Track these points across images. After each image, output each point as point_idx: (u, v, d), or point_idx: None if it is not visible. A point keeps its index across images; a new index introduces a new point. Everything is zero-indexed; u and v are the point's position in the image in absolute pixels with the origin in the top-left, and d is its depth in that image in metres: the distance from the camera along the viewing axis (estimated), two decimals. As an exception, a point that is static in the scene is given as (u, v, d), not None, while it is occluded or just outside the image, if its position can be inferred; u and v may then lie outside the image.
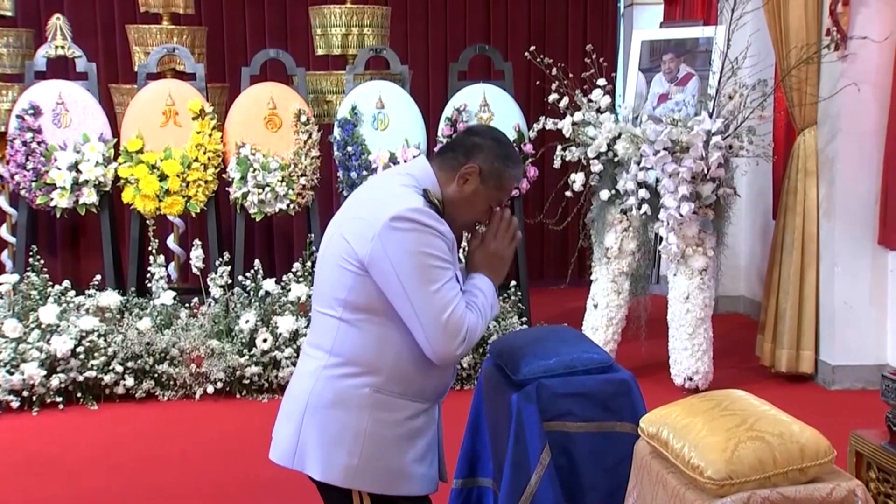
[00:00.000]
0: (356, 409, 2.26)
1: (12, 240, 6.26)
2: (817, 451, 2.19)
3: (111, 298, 5.29)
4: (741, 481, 2.14)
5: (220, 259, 5.42)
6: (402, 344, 2.26)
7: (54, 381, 4.91)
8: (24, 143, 5.68)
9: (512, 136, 5.98)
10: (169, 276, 5.88)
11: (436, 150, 2.46)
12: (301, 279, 5.37)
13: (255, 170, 5.75)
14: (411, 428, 2.32)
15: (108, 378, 4.99)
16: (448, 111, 6.01)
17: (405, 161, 5.83)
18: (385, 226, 2.19)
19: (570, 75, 5.21)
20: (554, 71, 5.11)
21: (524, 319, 5.71)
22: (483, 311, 2.31)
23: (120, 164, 5.76)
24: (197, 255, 5.41)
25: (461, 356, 2.26)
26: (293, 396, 2.36)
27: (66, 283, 5.36)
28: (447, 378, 2.41)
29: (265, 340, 5.08)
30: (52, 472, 4.14)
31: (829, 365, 5.18)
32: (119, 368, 5.00)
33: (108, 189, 5.80)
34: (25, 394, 4.90)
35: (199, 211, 5.84)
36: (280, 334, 5.10)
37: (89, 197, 5.72)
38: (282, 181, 5.78)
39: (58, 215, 5.85)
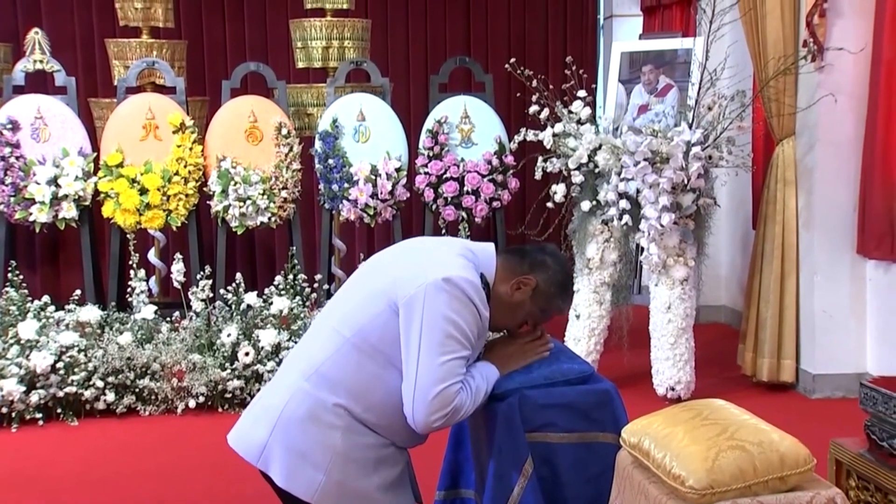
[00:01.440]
0: (328, 427, 2.27)
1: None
2: (797, 460, 2.21)
3: (91, 313, 5.25)
4: (722, 490, 2.15)
5: (202, 273, 5.40)
6: (393, 390, 2.29)
7: (34, 398, 4.86)
8: (3, 158, 5.65)
9: (493, 147, 6.00)
10: (150, 290, 5.85)
11: (507, 248, 2.53)
12: (283, 292, 5.36)
13: (236, 183, 5.74)
14: (380, 455, 2.34)
15: (88, 393, 4.95)
16: (429, 123, 6.03)
17: (387, 174, 5.85)
18: (437, 280, 2.24)
19: (551, 87, 5.23)
20: (534, 83, 5.13)
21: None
22: (475, 394, 2.34)
23: (100, 178, 5.74)
24: (178, 268, 5.39)
25: (437, 429, 2.28)
26: (269, 405, 2.36)
27: (46, 298, 5.32)
28: (418, 438, 2.43)
29: (247, 354, 5.06)
30: (32, 490, 4.10)
31: (809, 374, 5.21)
32: (100, 384, 4.96)
33: (87, 203, 5.77)
34: (4, 410, 4.85)
35: (179, 225, 5.82)
36: (262, 348, 5.08)
37: (69, 211, 5.69)
38: (263, 194, 5.77)
39: (37, 230, 5.81)
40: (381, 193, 5.87)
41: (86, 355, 5.01)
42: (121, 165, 5.75)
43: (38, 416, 4.91)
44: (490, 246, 2.49)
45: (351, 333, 2.29)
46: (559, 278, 2.48)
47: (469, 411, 2.33)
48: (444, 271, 2.25)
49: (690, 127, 4.91)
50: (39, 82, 6.21)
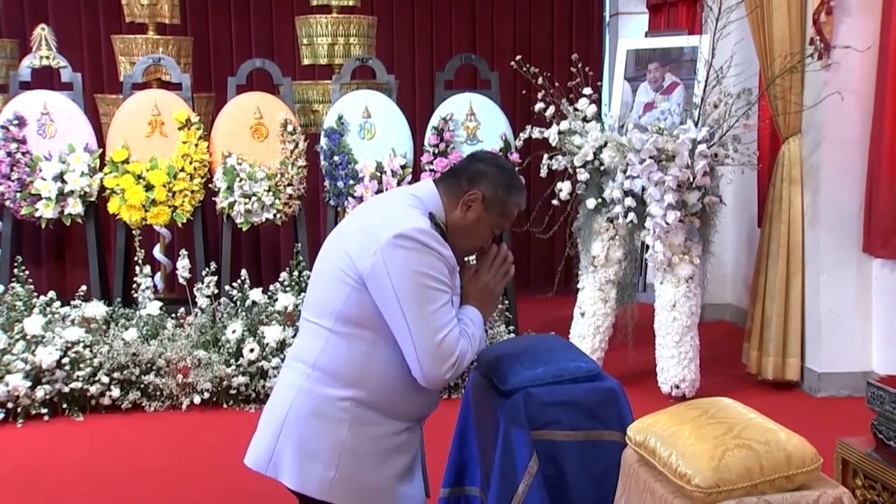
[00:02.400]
0: (335, 421, 2.26)
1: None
2: (804, 459, 2.20)
3: (97, 309, 5.26)
4: (728, 489, 2.14)
5: (207, 269, 5.41)
6: (390, 362, 2.26)
7: (39, 393, 4.87)
8: (9, 154, 5.66)
9: (498, 145, 5.99)
10: (155, 286, 5.86)
11: (440, 175, 2.47)
12: (288, 289, 5.36)
13: (241, 179, 5.75)
14: (391, 444, 2.32)
15: (93, 389, 4.96)
16: (434, 120, 6.03)
17: (392, 171, 5.84)
18: (389, 242, 2.20)
19: (556, 84, 5.23)
20: (540, 80, 5.13)
21: (511, 328, 5.72)
22: (473, 340, 2.33)
23: (106, 174, 5.75)
24: (183, 265, 5.40)
25: (449, 380, 2.26)
26: (273, 407, 2.36)
27: (52, 293, 5.32)
28: (431, 402, 2.41)
29: (252, 350, 5.07)
30: (38, 485, 4.11)
31: (815, 372, 5.20)
32: (105, 379, 4.97)
33: (93, 199, 5.79)
34: (10, 405, 4.87)
35: (185, 221, 5.83)
36: (267, 344, 5.09)
37: (75, 207, 5.70)
38: (268, 191, 5.77)
39: (43, 226, 5.83)
40: (387, 190, 5.87)
41: (91, 351, 5.01)
42: (126, 162, 5.76)
43: (44, 411, 4.92)
44: (428, 182, 2.43)
45: (331, 322, 2.27)
46: (501, 178, 2.40)
47: (472, 357, 2.31)
48: (392, 228, 2.21)
49: (696, 125, 4.91)
50: (46, 78, 6.22)
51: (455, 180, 2.40)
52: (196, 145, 5.79)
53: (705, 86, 4.96)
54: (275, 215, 5.83)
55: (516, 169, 2.57)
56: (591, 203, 5.20)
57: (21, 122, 5.73)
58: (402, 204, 2.34)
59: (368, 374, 2.27)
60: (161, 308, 5.35)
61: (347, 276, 2.25)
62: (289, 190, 5.83)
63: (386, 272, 2.19)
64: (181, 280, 5.42)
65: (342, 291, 2.26)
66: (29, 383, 4.86)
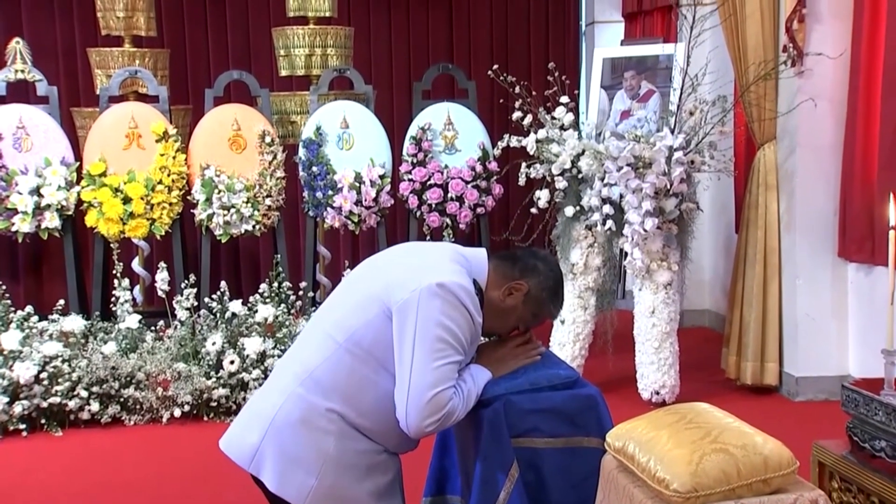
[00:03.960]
0: (322, 431, 2.27)
1: (-27, 265, 6.20)
2: (780, 462, 2.23)
3: (75, 323, 5.23)
4: (706, 493, 2.16)
5: (186, 281, 5.39)
6: (384, 394, 2.30)
7: (17, 408, 4.84)
8: (-15, 168, 5.63)
9: (476, 154, 6.02)
10: (134, 299, 5.83)
11: (497, 253, 2.53)
12: (268, 300, 5.35)
13: (219, 191, 5.74)
14: (374, 461, 2.34)
15: (72, 404, 4.92)
16: (413, 130, 6.05)
17: (370, 181, 5.85)
18: (431, 285, 2.24)
19: (534, 93, 5.25)
20: (517, 89, 5.15)
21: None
22: (467, 398, 2.35)
23: (83, 187, 5.72)
24: (162, 277, 5.38)
25: (429, 433, 2.29)
26: (259, 410, 2.36)
27: (29, 308, 5.29)
28: (410, 443, 2.43)
29: (232, 362, 5.05)
30: (16, 501, 4.08)
31: (792, 376, 5.24)
32: (84, 394, 4.94)
33: (70, 213, 5.76)
34: (-12, 421, 4.84)
35: (163, 233, 5.81)
36: (247, 356, 5.07)
37: (52, 221, 5.67)
38: (247, 202, 5.77)
39: (20, 240, 5.79)
40: (366, 200, 5.87)
41: (70, 365, 4.98)
42: (104, 175, 5.73)
43: (22, 426, 4.88)
44: (482, 251, 2.49)
45: (344, 338, 2.30)
46: (550, 283, 2.48)
47: (461, 416, 2.34)
48: (439, 276, 2.25)
49: (672, 132, 4.94)
50: (21, 92, 6.19)
51: (510, 264, 2.47)
52: (174, 157, 5.77)
53: (681, 93, 5.00)
54: (254, 227, 5.83)
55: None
56: (569, 211, 5.22)
57: (-3, 136, 5.70)
58: (450, 258, 2.39)
59: (361, 398, 2.29)
60: (140, 321, 5.33)
61: (379, 302, 2.29)
62: (267, 201, 5.82)
63: (416, 311, 2.23)
64: (160, 293, 5.40)
65: (368, 314, 2.29)
66: (7, 399, 4.82)
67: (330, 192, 5.88)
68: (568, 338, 5.31)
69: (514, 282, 2.43)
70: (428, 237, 5.98)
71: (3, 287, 5.34)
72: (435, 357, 2.22)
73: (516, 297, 2.44)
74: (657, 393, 5.06)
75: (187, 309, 5.30)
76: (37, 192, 5.66)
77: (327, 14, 6.46)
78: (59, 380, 4.93)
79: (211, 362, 5.09)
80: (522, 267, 2.46)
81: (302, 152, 5.95)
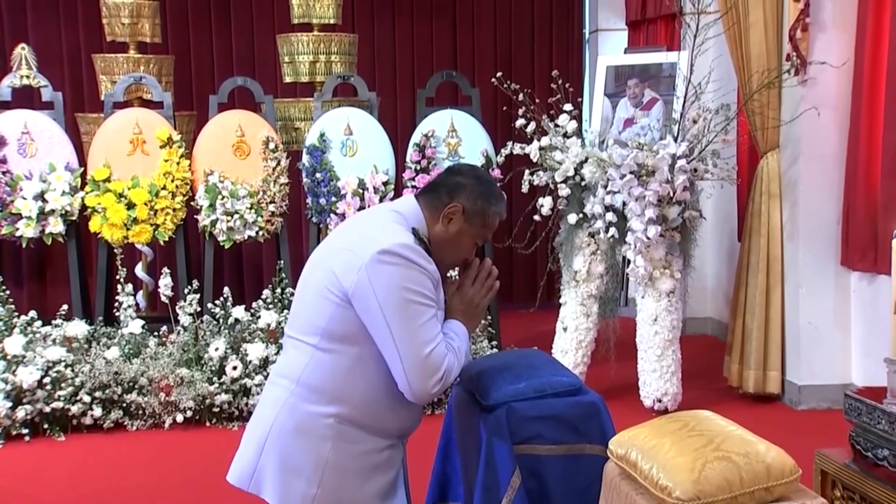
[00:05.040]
0: (318, 438, 2.27)
1: (-23, 270, 6.20)
2: (783, 470, 2.23)
3: (78, 328, 5.24)
4: (708, 501, 2.16)
5: (189, 287, 5.40)
6: (374, 377, 2.27)
7: (20, 413, 4.84)
8: (-10, 173, 5.65)
9: (480, 161, 6.02)
10: (137, 304, 5.84)
11: (420, 189, 2.49)
12: (271, 306, 5.36)
13: (223, 197, 5.75)
14: (374, 462, 2.33)
15: (75, 409, 4.93)
16: (416, 137, 6.05)
17: (374, 187, 5.86)
18: (373, 258, 2.21)
19: (537, 101, 5.26)
20: (521, 96, 5.16)
21: (494, 343, 5.73)
22: (459, 354, 2.33)
23: (87, 193, 5.74)
24: (166, 283, 5.39)
25: (436, 395, 2.27)
26: (256, 423, 2.36)
27: (33, 313, 5.30)
28: (415, 417, 2.42)
29: (235, 368, 5.06)
30: (19, 506, 4.09)
31: (795, 385, 5.24)
32: (87, 399, 4.95)
33: (74, 218, 5.77)
34: (-9, 426, 4.84)
35: (167, 239, 5.82)
36: (250, 362, 5.08)
37: (56, 226, 5.68)
38: (250, 208, 5.78)
39: (24, 245, 5.80)
40: (369, 207, 5.88)
41: (73, 370, 4.99)
42: (108, 180, 5.75)
43: (25, 431, 4.88)
44: (409, 197, 2.45)
45: (315, 339, 2.28)
46: (480, 189, 2.42)
47: (458, 371, 2.32)
48: (376, 245, 2.22)
49: (676, 140, 4.95)
50: (26, 98, 6.20)
51: (435, 194, 2.42)
52: (178, 163, 5.79)
53: (684, 101, 5.01)
54: (257, 233, 5.84)
55: (496, 181, 2.60)
56: (572, 218, 5.23)
57: (1, 141, 5.71)
58: (384, 220, 2.36)
59: (352, 391, 2.27)
60: (143, 326, 5.33)
61: (332, 293, 2.26)
62: (271, 207, 5.83)
63: (371, 289, 2.20)
64: (163, 298, 5.41)
65: (327, 309, 2.26)
66: (9, 404, 4.82)
67: (333, 199, 5.88)
68: (570, 345, 5.32)
69: (447, 208, 2.38)
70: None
71: (7, 291, 5.35)
72: (410, 320, 2.20)
73: (457, 220, 2.39)
74: (659, 401, 5.05)
75: (190, 314, 5.31)
76: (41, 197, 5.67)
77: (331, 21, 6.48)
78: (62, 385, 4.93)
79: (213, 368, 5.10)
80: (447, 190, 2.40)
81: (305, 159, 5.96)
